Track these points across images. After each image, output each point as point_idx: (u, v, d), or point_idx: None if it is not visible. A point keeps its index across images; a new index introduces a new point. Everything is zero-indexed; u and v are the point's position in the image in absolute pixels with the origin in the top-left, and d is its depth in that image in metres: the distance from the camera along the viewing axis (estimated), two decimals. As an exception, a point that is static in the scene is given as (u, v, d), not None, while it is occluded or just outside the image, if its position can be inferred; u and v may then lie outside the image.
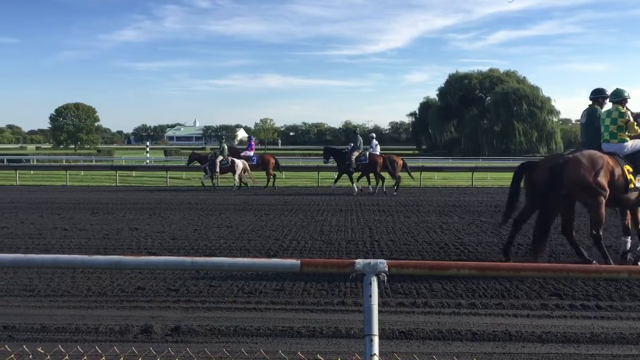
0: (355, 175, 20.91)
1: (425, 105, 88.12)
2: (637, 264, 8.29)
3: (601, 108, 8.67)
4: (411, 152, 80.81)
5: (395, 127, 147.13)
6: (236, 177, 21.86)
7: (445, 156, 56.30)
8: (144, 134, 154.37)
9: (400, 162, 20.85)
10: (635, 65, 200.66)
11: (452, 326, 5.41)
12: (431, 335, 5.17)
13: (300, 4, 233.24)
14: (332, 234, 11.02)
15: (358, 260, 2.73)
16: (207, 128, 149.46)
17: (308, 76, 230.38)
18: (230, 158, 21.68)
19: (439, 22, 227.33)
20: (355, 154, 20.18)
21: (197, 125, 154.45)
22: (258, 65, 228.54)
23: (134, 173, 30.92)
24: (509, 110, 72.75)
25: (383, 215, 13.97)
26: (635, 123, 8.14)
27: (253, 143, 24.71)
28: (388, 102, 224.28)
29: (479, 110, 77.18)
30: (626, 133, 8.11)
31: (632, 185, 7.83)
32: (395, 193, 20.03)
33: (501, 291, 6.67)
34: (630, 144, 8.14)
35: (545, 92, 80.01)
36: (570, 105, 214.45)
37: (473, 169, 27.18)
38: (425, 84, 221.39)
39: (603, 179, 7.61)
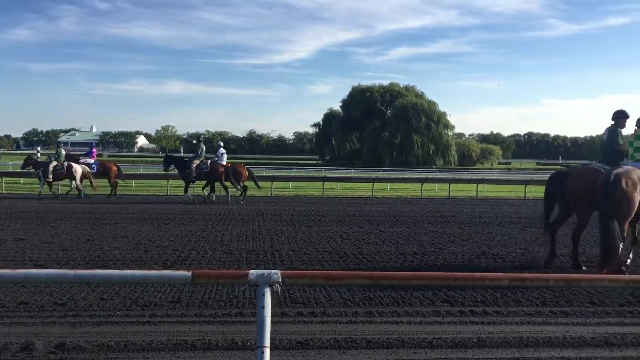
0: (203, 183, 20.63)
1: (329, 117, 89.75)
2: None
3: (621, 128, 9.31)
4: (314, 162, 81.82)
5: (300, 137, 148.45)
6: (75, 184, 20.64)
7: (347, 167, 57.37)
8: (34, 138, 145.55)
9: (245, 172, 20.64)
10: (523, 84, 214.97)
11: (348, 335, 5.48)
12: (327, 345, 5.21)
13: (205, 11, 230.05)
14: (232, 243, 10.88)
15: (251, 271, 2.70)
16: (104, 134, 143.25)
17: (213, 84, 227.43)
18: (67, 164, 20.44)
19: (342, 36, 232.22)
20: (196, 162, 19.89)
21: (94, 130, 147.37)
22: (161, 71, 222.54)
23: (21, 180, 28.99)
24: (408, 124, 75.59)
25: (285, 224, 13.99)
26: None
27: (94, 150, 23.66)
28: (293, 112, 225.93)
29: (380, 122, 79.56)
30: None
31: None
32: (242, 202, 19.78)
33: (397, 299, 6.85)
34: None
35: (441, 107, 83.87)
36: (464, 120, 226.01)
37: (374, 180, 27.90)
38: (329, 96, 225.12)
39: (638, 195, 8.45)
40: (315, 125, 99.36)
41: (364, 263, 9.32)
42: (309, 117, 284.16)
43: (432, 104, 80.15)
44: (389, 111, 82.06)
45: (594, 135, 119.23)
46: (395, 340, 5.34)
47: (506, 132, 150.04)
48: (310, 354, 5.01)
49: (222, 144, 21.68)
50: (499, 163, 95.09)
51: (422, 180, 28.78)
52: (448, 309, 6.49)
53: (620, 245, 8.87)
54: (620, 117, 9.35)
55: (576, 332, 5.72)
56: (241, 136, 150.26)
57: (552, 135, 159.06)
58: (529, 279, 2.66)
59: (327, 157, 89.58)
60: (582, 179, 9.02)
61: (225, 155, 20.99)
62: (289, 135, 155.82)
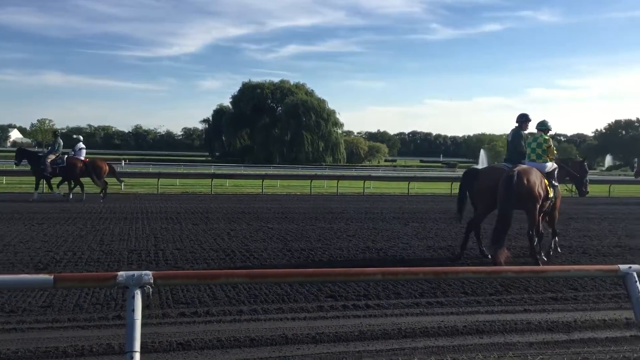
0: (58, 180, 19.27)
1: (219, 113, 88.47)
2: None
3: (523, 130, 10.22)
4: (204, 158, 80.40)
5: (189, 133, 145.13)
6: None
7: (238, 163, 56.91)
8: None
9: (105, 167, 19.58)
10: (407, 84, 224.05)
11: (232, 334, 5.41)
12: (210, 345, 5.11)
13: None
14: (113, 243, 10.40)
15: (120, 273, 2.57)
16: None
17: (95, 76, 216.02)
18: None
19: (233, 31, 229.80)
20: (52, 157, 18.62)
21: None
22: (37, 61, 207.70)
23: None
24: (299, 121, 76.29)
25: (170, 223, 13.59)
26: (554, 147, 9.97)
27: None
28: (182, 107, 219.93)
29: (270, 119, 79.69)
30: (548, 156, 9.82)
31: (550, 195, 9.55)
32: (101, 201, 18.73)
33: (282, 296, 6.87)
34: (550, 164, 9.86)
35: (331, 105, 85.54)
36: (353, 119, 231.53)
37: (263, 177, 27.84)
38: (219, 91, 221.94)
39: (542, 190, 9.24)
40: (205, 121, 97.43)
41: (250, 260, 9.26)
42: (198, 112, 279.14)
43: (322, 102, 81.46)
44: (280, 108, 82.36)
45: (471, 134, 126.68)
46: (279, 337, 5.35)
47: (392, 131, 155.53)
48: (191, 355, 4.89)
49: (81, 138, 20.14)
50: (386, 160, 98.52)
51: (312, 177, 29.12)
52: (332, 304, 6.61)
53: (555, 240, 10.15)
54: (523, 120, 10.22)
55: (450, 322, 6.02)
56: (126, 131, 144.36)
57: (434, 134, 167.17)
58: (401, 273, 2.76)
59: (217, 154, 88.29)
60: (488, 176, 9.78)
61: (84, 151, 19.63)
62: (177, 131, 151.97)
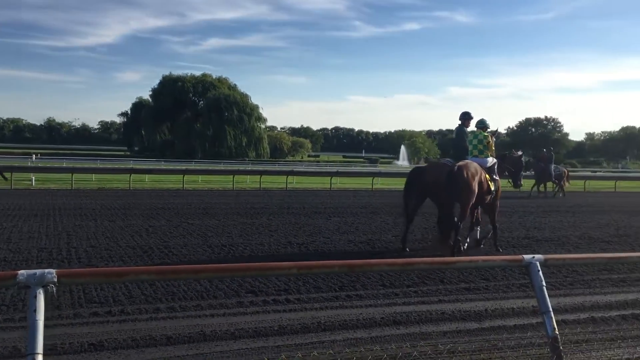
0: None
1: (139, 106, 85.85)
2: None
3: (466, 128, 10.81)
4: (122, 153, 77.88)
5: (106, 127, 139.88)
6: None
7: (158, 158, 55.43)
8: None
9: None
10: (330, 80, 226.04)
11: (148, 332, 5.27)
12: (124, 345, 4.95)
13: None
14: (22, 242, 9.87)
15: (21, 272, 2.43)
16: None
17: (1, 66, 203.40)
18: None
19: (153, 22, 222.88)
20: None
21: None
22: None
23: None
24: (221, 116, 75.27)
25: (85, 219, 13.06)
26: (493, 144, 10.61)
27: None
28: (98, 100, 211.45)
29: (192, 113, 78.20)
30: (488, 152, 10.43)
31: (490, 189, 10.11)
32: None
33: (201, 292, 6.76)
34: (491, 160, 10.48)
35: (254, 100, 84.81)
36: (277, 114, 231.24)
37: (184, 172, 27.30)
38: (139, 84, 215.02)
39: (482, 184, 9.80)
40: (123, 114, 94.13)
41: (169, 257, 9.04)
42: (116, 105, 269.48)
43: (244, 96, 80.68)
44: (202, 102, 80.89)
45: (392, 130, 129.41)
46: (197, 334, 5.26)
47: (315, 126, 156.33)
48: (104, 355, 4.72)
49: None
50: (309, 156, 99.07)
51: (234, 172, 28.86)
52: (252, 299, 6.57)
53: (478, 229, 10.89)
54: (466, 118, 10.76)
55: (368, 314, 6.14)
56: (38, 124, 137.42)
57: (356, 130, 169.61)
58: (316, 266, 2.77)
59: (136, 148, 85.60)
60: (434, 172, 10.16)
61: None
62: (93, 124, 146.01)
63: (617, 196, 27.67)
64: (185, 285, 6.96)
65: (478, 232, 10.98)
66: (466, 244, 10.52)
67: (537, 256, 3.22)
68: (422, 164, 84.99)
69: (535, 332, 5.43)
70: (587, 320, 6.22)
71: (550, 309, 3.10)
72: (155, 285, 6.87)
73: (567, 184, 26.23)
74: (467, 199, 9.66)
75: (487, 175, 10.07)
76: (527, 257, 3.19)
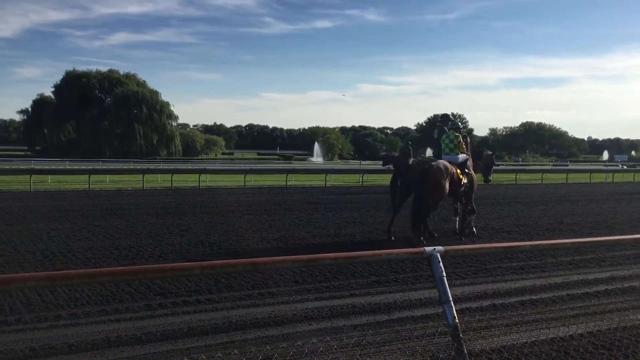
0: None
1: (40, 103, 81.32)
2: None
3: (446, 127, 12.07)
4: (23, 153, 73.67)
5: (4, 125, 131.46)
6: None
7: (62, 158, 52.79)
8: None
9: None
10: (244, 77, 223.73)
11: (48, 341, 5.01)
12: (21, 355, 4.69)
13: None
14: None
15: None
16: None
17: None
18: None
19: (54, 15, 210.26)
20: None
21: None
22: None
23: None
24: (130, 113, 72.74)
25: (-21, 224, 12.22)
26: (464, 143, 11.75)
27: None
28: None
29: (99, 111, 74.92)
30: (458, 150, 11.56)
31: (463, 182, 11.26)
32: None
33: (106, 296, 6.51)
34: (462, 156, 11.63)
35: (165, 96, 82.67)
36: (189, 111, 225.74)
37: (90, 171, 26.16)
38: (39, 80, 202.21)
39: (447, 182, 10.84)
40: (23, 112, 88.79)
41: (72, 262, 8.63)
42: (15, 102, 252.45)
43: (154, 93, 78.31)
44: (109, 99, 77.76)
45: (306, 127, 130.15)
46: (101, 341, 5.06)
47: (229, 124, 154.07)
48: (-2, 369, 4.44)
49: None
50: (223, 153, 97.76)
51: (144, 171, 27.96)
52: (161, 302, 6.40)
53: (457, 219, 12.26)
54: (444, 120, 12.37)
55: (280, 311, 6.14)
56: None
57: (270, 127, 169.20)
58: (219, 266, 2.72)
59: (38, 148, 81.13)
60: (415, 169, 11.32)
61: None
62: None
63: (517, 188, 29.23)
64: (90, 290, 6.67)
65: (457, 222, 12.33)
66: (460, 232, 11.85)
67: (438, 248, 3.32)
68: (336, 160, 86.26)
69: (440, 321, 5.62)
70: (489, 307, 6.53)
71: (451, 299, 3.21)
72: (57, 292, 6.55)
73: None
74: (438, 195, 10.82)
75: (458, 170, 11.22)
76: (428, 249, 3.29)
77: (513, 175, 36.25)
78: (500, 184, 32.74)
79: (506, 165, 56.76)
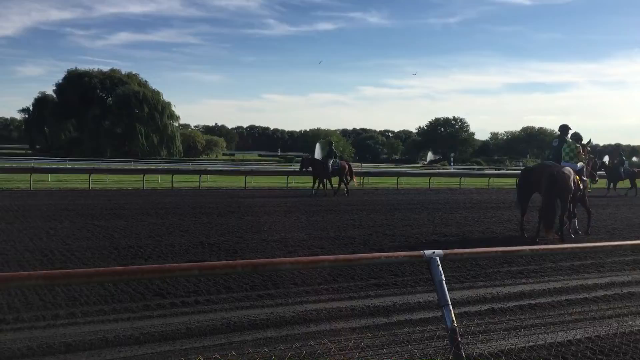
0: None
1: (41, 102, 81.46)
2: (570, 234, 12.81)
3: (566, 136, 13.21)
4: (24, 152, 73.77)
5: (5, 123, 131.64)
6: None
7: (63, 157, 52.80)
8: None
9: None
10: (246, 78, 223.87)
11: (45, 340, 5.00)
12: (18, 354, 4.68)
13: None
14: None
15: None
16: None
17: None
18: None
19: (56, 15, 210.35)
20: None
21: None
22: None
23: None
24: (131, 113, 72.85)
25: (-21, 222, 12.22)
26: (583, 154, 12.93)
27: None
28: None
29: (100, 110, 75.01)
30: (577, 159, 12.70)
31: (580, 187, 12.52)
32: None
33: (105, 296, 6.50)
34: (580, 164, 12.84)
35: (167, 97, 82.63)
36: (190, 111, 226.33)
37: (91, 171, 26.17)
38: (41, 79, 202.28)
39: (573, 183, 11.95)
40: (24, 110, 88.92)
41: (71, 261, 8.63)
42: (16, 101, 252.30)
43: (156, 93, 78.41)
44: (110, 99, 77.84)
45: (308, 129, 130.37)
46: (99, 341, 5.05)
47: (230, 125, 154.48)
48: (-5, 367, 4.43)
49: None
50: (224, 154, 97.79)
51: (144, 172, 27.96)
52: (159, 302, 6.39)
53: (575, 220, 13.39)
54: (564, 130, 13.27)
55: (279, 313, 6.13)
56: None
57: (272, 128, 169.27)
58: (218, 267, 2.72)
59: (39, 147, 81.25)
60: (539, 172, 12.32)
61: None
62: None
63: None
64: (89, 290, 6.66)
65: (576, 222, 13.41)
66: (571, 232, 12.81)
67: (437, 251, 3.32)
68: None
69: (439, 325, 5.61)
70: (487, 311, 6.52)
71: (449, 302, 3.21)
72: (55, 291, 6.55)
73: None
74: (567, 195, 11.91)
75: (577, 176, 12.38)
76: (427, 252, 3.29)
77: (514, 180, 36.20)
78: (502, 189, 32.73)
79: (507, 169, 56.73)
